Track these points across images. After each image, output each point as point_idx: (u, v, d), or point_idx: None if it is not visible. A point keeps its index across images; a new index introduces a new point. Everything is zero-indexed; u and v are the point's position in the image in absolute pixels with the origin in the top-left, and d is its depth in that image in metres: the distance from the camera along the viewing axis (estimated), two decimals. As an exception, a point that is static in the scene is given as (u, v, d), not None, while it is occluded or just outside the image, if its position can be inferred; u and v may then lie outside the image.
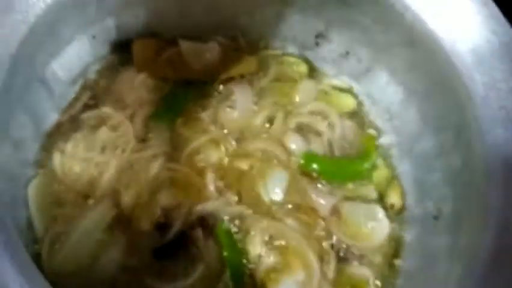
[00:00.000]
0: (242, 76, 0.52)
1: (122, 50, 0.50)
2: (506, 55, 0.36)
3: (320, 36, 0.53)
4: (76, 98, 0.48)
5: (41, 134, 0.45)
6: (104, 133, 0.46)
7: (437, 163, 0.46)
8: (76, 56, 0.46)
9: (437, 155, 0.46)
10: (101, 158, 0.46)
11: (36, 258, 0.40)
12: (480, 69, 0.36)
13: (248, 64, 0.53)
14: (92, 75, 0.50)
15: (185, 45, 0.52)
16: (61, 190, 0.44)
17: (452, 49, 0.37)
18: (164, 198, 0.45)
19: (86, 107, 0.48)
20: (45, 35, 0.38)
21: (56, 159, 0.44)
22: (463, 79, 0.36)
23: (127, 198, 0.44)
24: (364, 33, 0.49)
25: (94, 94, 0.49)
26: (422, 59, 0.44)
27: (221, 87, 0.52)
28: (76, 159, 0.45)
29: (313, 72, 0.55)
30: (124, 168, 0.46)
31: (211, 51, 0.53)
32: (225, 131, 0.50)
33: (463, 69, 0.36)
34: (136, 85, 0.49)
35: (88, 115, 0.48)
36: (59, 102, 0.47)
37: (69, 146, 0.45)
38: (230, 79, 0.52)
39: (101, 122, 0.47)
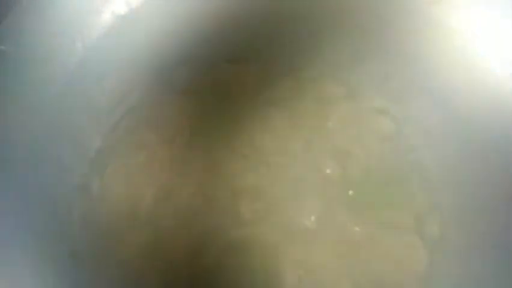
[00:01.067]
0: (281, 99, 0.51)
1: (162, 75, 0.51)
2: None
3: (357, 59, 0.51)
4: (118, 124, 0.49)
5: (83, 161, 0.46)
6: (143, 157, 0.47)
7: (478, 189, 0.44)
8: (118, 81, 0.47)
9: (478, 179, 0.44)
10: (140, 182, 0.46)
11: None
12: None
13: (286, 86, 0.52)
14: (133, 100, 0.50)
15: (225, 69, 0.52)
16: (102, 214, 0.45)
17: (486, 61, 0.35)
18: (200, 224, 0.45)
19: (128, 132, 0.49)
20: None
21: (96, 184, 0.45)
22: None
23: (165, 223, 0.45)
24: (401, 54, 0.46)
25: (135, 120, 0.50)
26: (462, 77, 0.41)
27: (259, 110, 0.51)
28: (116, 184, 0.46)
29: (350, 94, 0.53)
30: (161, 192, 0.46)
31: (252, 73, 0.52)
32: (262, 154, 0.49)
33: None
34: (176, 111, 0.50)
35: (129, 140, 0.48)
36: (101, 128, 0.48)
37: (109, 171, 0.46)
38: (268, 101, 0.51)
39: (142, 147, 0.48)
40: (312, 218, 0.47)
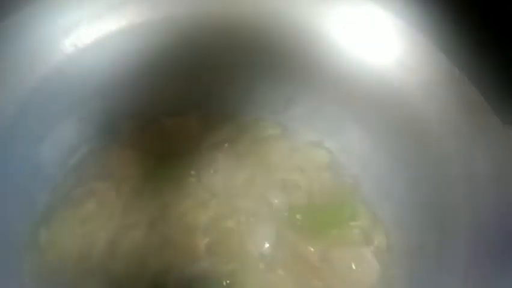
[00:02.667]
0: (223, 141, 0.54)
1: (107, 132, 0.52)
2: (446, 79, 0.38)
3: (289, 101, 0.56)
4: (65, 180, 0.48)
5: (33, 214, 0.45)
6: (91, 205, 0.46)
7: (413, 199, 0.46)
8: (64, 139, 0.47)
9: (411, 191, 0.47)
10: (89, 230, 0.45)
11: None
12: (431, 99, 0.38)
13: (227, 131, 0.54)
14: (80, 156, 0.50)
15: (166, 122, 0.54)
16: (53, 265, 0.42)
17: (401, 88, 0.39)
18: (156, 263, 0.44)
19: (75, 184, 0.48)
20: (35, 115, 0.39)
21: (43, 236, 0.43)
22: (417, 112, 0.38)
23: (117, 266, 0.43)
24: (328, 90, 0.51)
25: (82, 174, 0.49)
26: (383, 105, 0.46)
27: (204, 154, 0.53)
28: (66, 233, 0.44)
29: (285, 132, 0.57)
30: (113, 237, 0.45)
31: (192, 123, 0.54)
32: (210, 192, 0.50)
33: (415, 102, 0.38)
34: (123, 161, 0.50)
35: (77, 192, 0.47)
36: (49, 183, 0.47)
37: (55, 222, 0.44)
38: (211, 146, 0.53)
39: (90, 195, 0.47)
40: (266, 244, 0.47)
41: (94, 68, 0.43)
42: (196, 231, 0.46)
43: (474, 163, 0.35)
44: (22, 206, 0.43)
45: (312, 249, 0.47)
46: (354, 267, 0.46)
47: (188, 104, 0.56)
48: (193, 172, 0.51)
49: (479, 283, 0.31)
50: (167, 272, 0.43)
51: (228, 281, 0.44)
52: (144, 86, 0.52)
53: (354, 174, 0.54)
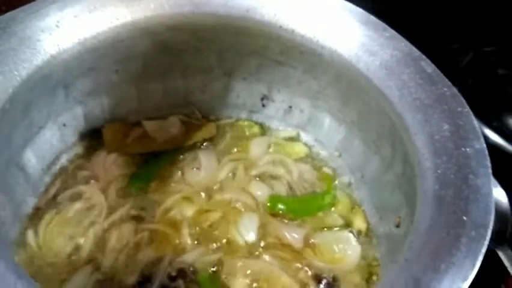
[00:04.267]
0: (204, 141, 0.55)
1: (90, 136, 0.52)
2: (409, 61, 0.40)
3: (264, 98, 0.57)
4: (51, 184, 0.48)
5: (20, 217, 0.45)
6: (78, 206, 0.46)
7: (386, 178, 0.48)
8: (48, 144, 0.48)
9: (383, 171, 0.48)
10: (77, 229, 0.45)
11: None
12: (391, 77, 0.40)
13: (207, 130, 0.56)
14: (64, 161, 0.50)
15: (148, 125, 0.55)
16: (42, 266, 0.42)
17: (366, 70, 0.41)
18: (144, 256, 0.44)
19: (61, 190, 0.48)
20: (19, 117, 0.40)
21: (30, 236, 0.43)
22: (381, 90, 0.40)
23: (106, 262, 0.43)
24: (300, 85, 0.53)
25: (68, 178, 0.49)
26: (348, 89, 0.47)
27: (186, 153, 0.53)
28: (53, 234, 0.44)
29: (264, 130, 0.58)
30: (100, 235, 0.45)
31: (173, 125, 0.55)
32: (194, 188, 0.51)
33: (378, 82, 0.40)
34: (108, 164, 0.51)
35: (63, 196, 0.47)
36: (35, 187, 0.47)
37: (42, 223, 0.44)
38: (193, 145, 0.54)
39: (77, 197, 0.47)
40: (250, 233, 0.47)
41: (76, 72, 0.44)
42: (182, 225, 0.47)
43: (434, 128, 0.37)
44: (10, 209, 0.43)
45: (295, 235, 0.48)
46: (336, 249, 0.47)
47: (169, 107, 0.57)
48: (176, 171, 0.52)
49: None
50: (156, 263, 0.44)
51: (214, 269, 0.44)
52: (124, 91, 0.52)
53: (332, 164, 0.55)
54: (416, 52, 0.41)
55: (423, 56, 0.41)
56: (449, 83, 0.39)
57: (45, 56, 0.38)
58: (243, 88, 0.57)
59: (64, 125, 0.49)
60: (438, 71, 0.39)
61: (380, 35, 0.42)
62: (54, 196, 0.48)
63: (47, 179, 0.49)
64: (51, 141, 0.48)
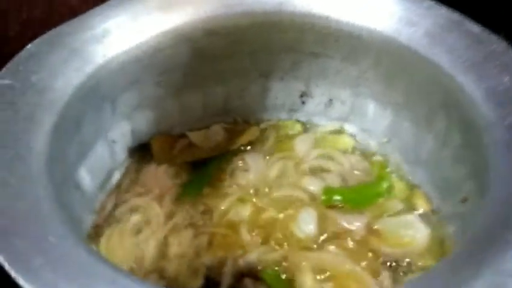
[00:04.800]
0: (248, 144, 0.54)
1: (139, 151, 0.53)
2: (452, 26, 0.39)
3: (303, 95, 0.57)
4: (107, 200, 0.49)
5: (80, 235, 0.45)
6: (136, 218, 0.46)
7: (443, 154, 0.46)
8: (100, 161, 0.48)
9: (439, 148, 0.46)
10: (137, 240, 0.44)
11: None
12: (436, 44, 0.39)
13: (250, 133, 0.55)
14: (117, 177, 0.51)
15: (193, 136, 0.55)
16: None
17: (409, 42, 0.40)
18: (206, 259, 0.43)
19: (117, 205, 0.48)
20: (72, 132, 0.40)
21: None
22: (427, 58, 0.39)
23: (170, 268, 0.42)
24: (338, 75, 0.52)
25: (122, 193, 0.50)
26: (391, 69, 0.46)
27: (233, 157, 0.53)
28: (115, 248, 0.44)
29: (306, 127, 0.57)
30: (161, 243, 0.44)
31: (217, 133, 0.55)
32: (247, 190, 0.50)
33: (424, 50, 0.39)
34: (159, 176, 0.51)
35: (120, 210, 0.48)
36: (91, 205, 0.47)
37: (104, 238, 0.44)
38: (238, 149, 0.54)
39: (134, 210, 0.47)
40: (310, 226, 0.46)
41: (121, 84, 0.45)
42: (240, 226, 0.46)
43: (492, 83, 0.35)
44: (69, 229, 0.43)
45: (357, 223, 0.46)
46: (403, 234, 0.45)
47: (210, 116, 0.57)
48: (225, 175, 0.51)
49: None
50: (219, 266, 0.43)
51: (280, 267, 0.43)
52: (167, 103, 0.53)
53: (382, 151, 0.54)
54: (458, 16, 0.40)
55: (466, 19, 0.40)
56: (498, 39, 0.37)
57: (94, 65, 0.39)
58: (281, 88, 0.56)
59: (113, 141, 0.49)
60: (484, 30, 0.38)
61: (418, 7, 0.41)
62: (112, 212, 0.47)
63: (101, 196, 0.49)
64: (103, 158, 0.49)
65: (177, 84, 0.52)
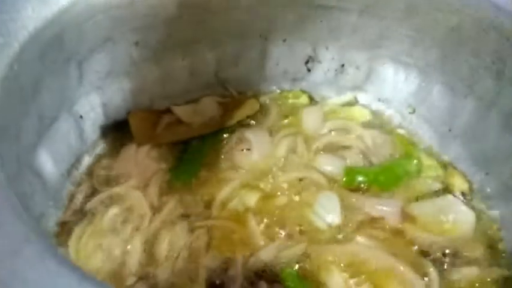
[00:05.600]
0: (247, 118, 0.45)
1: (113, 131, 0.43)
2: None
3: (310, 61, 0.48)
4: (76, 191, 0.39)
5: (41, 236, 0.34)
6: (114, 211, 0.36)
7: (486, 123, 0.38)
8: (65, 142, 0.38)
9: (481, 115, 0.39)
10: (117, 240, 0.35)
11: None
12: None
13: (249, 106, 0.46)
14: (87, 163, 0.41)
15: (180, 110, 0.46)
16: None
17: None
18: (208, 260, 0.34)
19: (89, 197, 0.39)
20: (28, 97, 0.30)
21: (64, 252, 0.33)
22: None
23: (162, 275, 0.33)
24: (354, 34, 0.44)
25: (94, 183, 0.40)
26: (425, 20, 0.38)
27: (230, 134, 0.44)
28: (88, 251, 0.34)
29: (314, 98, 0.49)
30: (148, 242, 0.35)
31: (208, 106, 0.46)
32: (250, 173, 0.41)
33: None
34: (140, 159, 0.41)
35: (93, 203, 0.38)
36: (56, 197, 0.37)
37: (73, 239, 0.35)
38: (236, 125, 0.45)
39: (109, 203, 0.37)
40: (334, 214, 0.38)
41: (90, 42, 0.35)
42: (247, 217, 0.37)
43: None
44: (27, 228, 0.33)
45: (388, 209, 0.38)
46: (444, 219, 0.37)
47: (199, 88, 0.48)
48: (223, 156, 0.42)
49: None
50: (225, 267, 0.34)
51: (301, 264, 0.34)
52: (146, 70, 0.43)
53: (405, 124, 0.46)
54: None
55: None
56: None
57: (57, 7, 0.29)
58: (283, 52, 0.48)
59: (81, 116, 0.40)
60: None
61: None
62: (82, 205, 0.38)
63: (69, 186, 0.39)
64: (69, 139, 0.39)
65: (159, 46, 0.43)
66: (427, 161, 0.43)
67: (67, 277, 0.19)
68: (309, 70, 0.49)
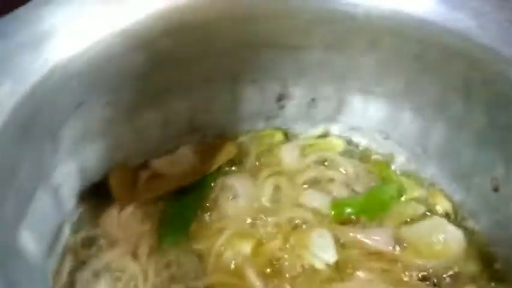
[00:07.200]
0: (227, 164, 0.46)
1: (91, 195, 0.42)
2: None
3: (281, 98, 0.49)
4: (60, 266, 0.37)
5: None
6: (104, 282, 0.35)
7: (460, 140, 0.41)
8: (43, 216, 0.37)
9: (454, 134, 0.41)
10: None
11: None
12: (456, 10, 0.33)
13: (226, 150, 0.47)
14: (67, 235, 0.39)
15: (156, 164, 0.45)
16: None
17: (419, 13, 0.35)
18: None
19: (76, 269, 0.37)
20: (6, 177, 0.29)
21: None
22: (445, 27, 0.33)
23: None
24: (321, 68, 0.46)
25: (78, 254, 0.38)
26: (390, 51, 0.41)
27: (213, 183, 0.44)
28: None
29: (289, 134, 0.50)
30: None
31: (184, 156, 0.46)
32: (240, 221, 0.41)
33: (439, 18, 0.33)
34: (125, 220, 0.40)
35: (81, 276, 0.36)
36: (43, 277, 0.36)
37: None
38: (217, 172, 0.45)
39: (98, 274, 0.36)
40: (329, 252, 0.38)
41: (63, 110, 0.34)
42: (244, 268, 0.37)
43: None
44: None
45: (380, 238, 0.39)
46: (435, 240, 0.39)
47: (174, 138, 0.48)
48: (209, 207, 0.42)
49: None
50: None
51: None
52: (120, 128, 0.43)
53: (380, 150, 0.48)
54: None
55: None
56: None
57: (30, 82, 0.28)
58: (254, 92, 0.49)
59: (59, 185, 0.38)
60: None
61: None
62: (70, 280, 0.36)
63: (53, 262, 0.37)
64: (46, 210, 0.37)
65: (130, 104, 0.42)
66: (407, 183, 0.45)
67: None
68: (281, 107, 0.50)
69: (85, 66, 0.34)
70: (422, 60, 0.39)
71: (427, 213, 0.42)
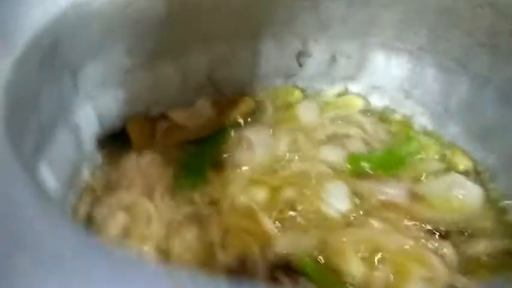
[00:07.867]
0: (244, 116, 0.46)
1: (110, 142, 0.43)
2: None
3: (301, 55, 0.49)
4: (79, 203, 0.38)
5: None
6: (120, 221, 0.36)
7: (484, 97, 0.40)
8: (63, 155, 0.38)
9: (477, 92, 0.40)
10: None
11: None
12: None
13: (245, 104, 0.47)
14: (86, 174, 0.40)
15: (175, 115, 0.46)
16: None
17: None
18: (224, 259, 0.34)
19: (93, 207, 0.38)
20: (30, 107, 0.30)
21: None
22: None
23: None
24: (343, 23, 0.45)
25: (96, 193, 0.40)
26: (416, 4, 0.40)
27: (230, 134, 0.44)
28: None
29: (308, 92, 0.50)
30: (159, 249, 0.35)
31: (203, 108, 0.47)
32: (255, 170, 0.41)
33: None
34: (143, 167, 0.41)
35: (99, 212, 0.37)
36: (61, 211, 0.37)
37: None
38: (234, 125, 0.45)
39: (116, 211, 0.37)
40: (344, 201, 0.38)
41: (83, 50, 0.35)
42: (257, 212, 0.37)
43: None
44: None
45: (396, 191, 0.39)
46: (452, 197, 0.38)
47: (193, 90, 0.48)
48: (225, 155, 0.43)
49: None
50: (241, 263, 0.34)
51: (319, 252, 0.35)
52: (140, 79, 0.44)
53: (401, 109, 0.47)
54: None
55: None
56: None
57: (52, 14, 0.29)
58: (273, 48, 0.48)
59: (77, 126, 0.39)
60: None
61: None
62: (87, 216, 0.37)
63: (71, 198, 0.38)
64: (67, 151, 0.38)
65: (151, 53, 0.43)
66: (428, 142, 0.44)
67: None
68: (301, 65, 0.50)
69: (106, 6, 0.35)
70: (450, 14, 0.38)
71: (446, 170, 0.41)
